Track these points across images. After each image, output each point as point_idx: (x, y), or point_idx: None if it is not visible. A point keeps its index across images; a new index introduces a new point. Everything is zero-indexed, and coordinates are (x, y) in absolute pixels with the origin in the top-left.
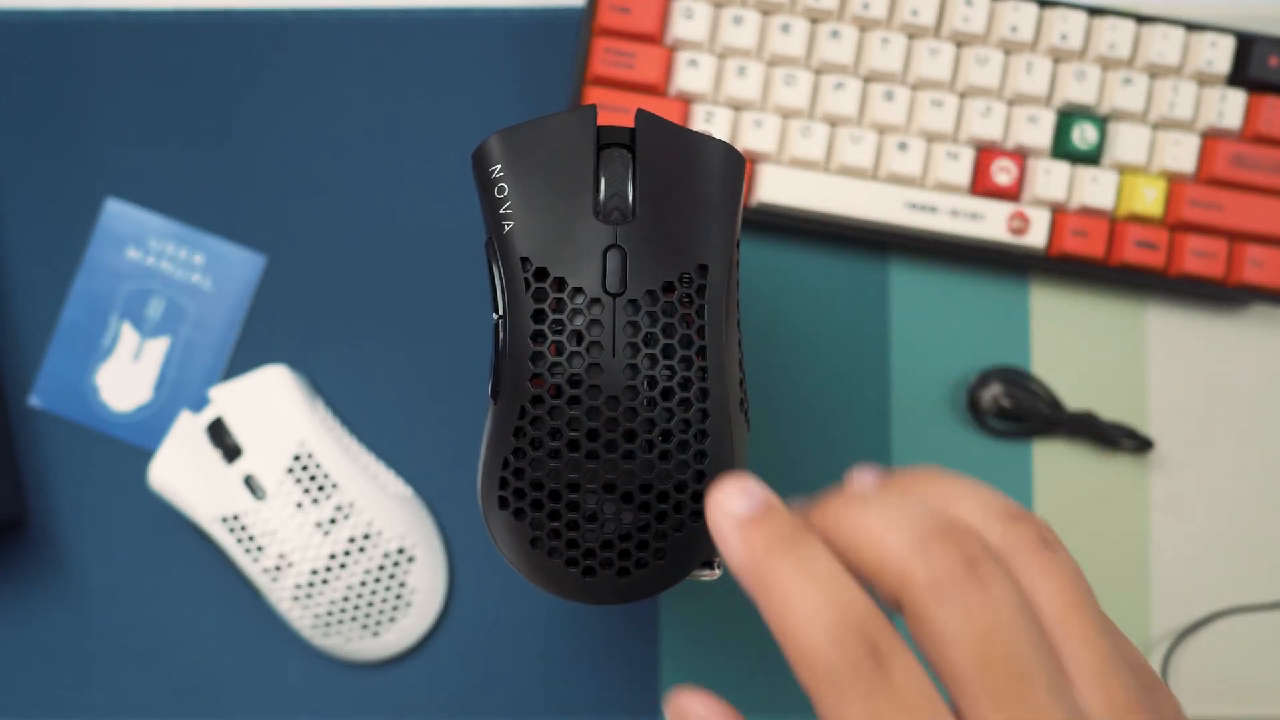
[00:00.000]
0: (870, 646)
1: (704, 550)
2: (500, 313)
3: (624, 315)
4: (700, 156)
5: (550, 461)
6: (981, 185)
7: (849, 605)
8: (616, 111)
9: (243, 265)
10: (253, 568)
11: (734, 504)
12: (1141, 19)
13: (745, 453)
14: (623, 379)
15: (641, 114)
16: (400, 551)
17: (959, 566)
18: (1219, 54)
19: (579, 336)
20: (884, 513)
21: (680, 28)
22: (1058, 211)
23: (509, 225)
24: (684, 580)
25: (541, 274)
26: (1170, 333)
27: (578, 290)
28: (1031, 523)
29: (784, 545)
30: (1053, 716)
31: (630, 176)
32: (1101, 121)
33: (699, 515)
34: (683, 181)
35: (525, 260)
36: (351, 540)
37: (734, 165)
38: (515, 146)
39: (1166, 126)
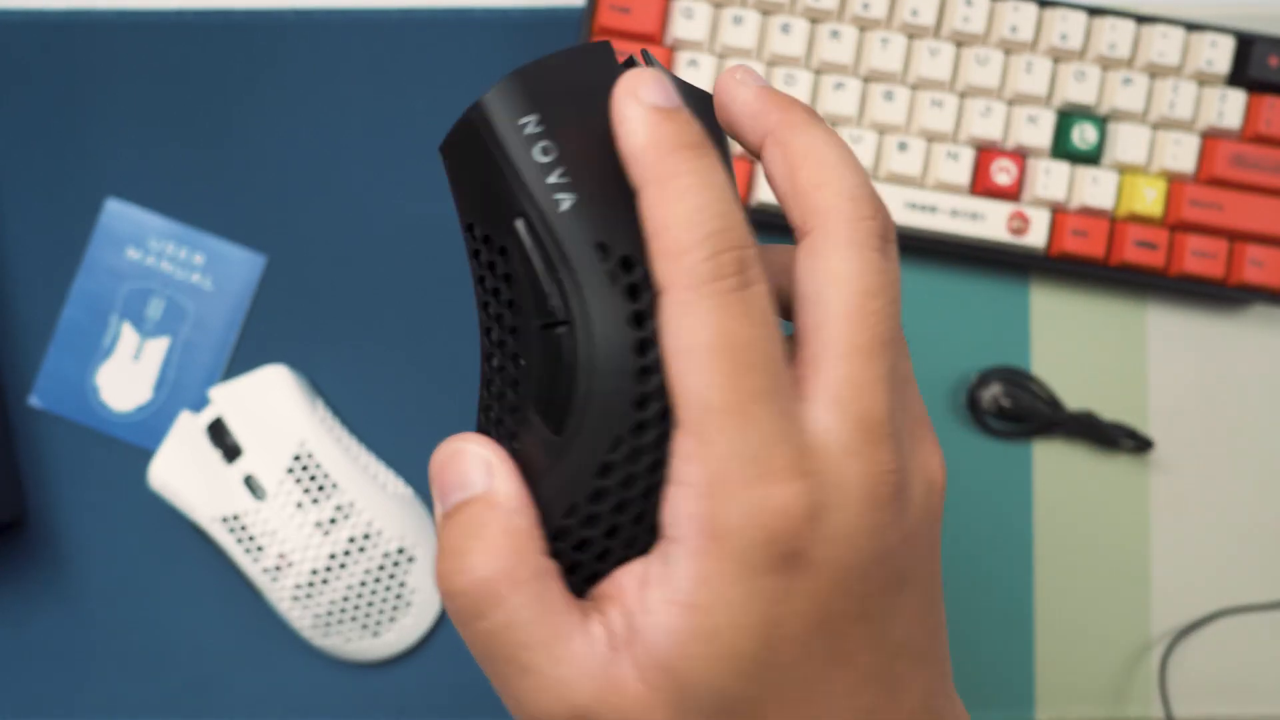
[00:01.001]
0: (741, 264)
1: None
2: (562, 318)
3: None
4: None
5: (642, 502)
6: (981, 185)
7: (736, 224)
8: None
9: (243, 265)
10: (253, 568)
11: (651, 93)
12: (1141, 19)
13: None
14: None
15: (645, 55)
16: (400, 551)
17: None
18: (1219, 54)
19: None
20: (826, 152)
21: (680, 28)
22: (1058, 211)
23: (567, 200)
24: None
25: (628, 264)
26: (1170, 333)
27: None
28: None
29: (693, 148)
30: (765, 410)
31: None
32: (1101, 121)
33: None
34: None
35: (603, 247)
36: (351, 540)
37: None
38: (546, 92)
39: (1166, 126)
